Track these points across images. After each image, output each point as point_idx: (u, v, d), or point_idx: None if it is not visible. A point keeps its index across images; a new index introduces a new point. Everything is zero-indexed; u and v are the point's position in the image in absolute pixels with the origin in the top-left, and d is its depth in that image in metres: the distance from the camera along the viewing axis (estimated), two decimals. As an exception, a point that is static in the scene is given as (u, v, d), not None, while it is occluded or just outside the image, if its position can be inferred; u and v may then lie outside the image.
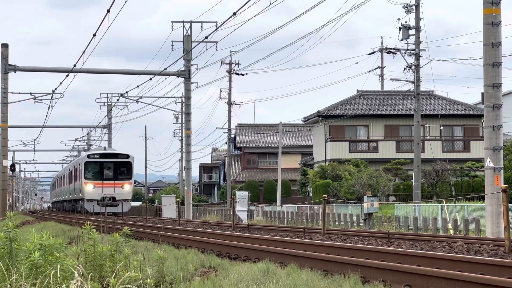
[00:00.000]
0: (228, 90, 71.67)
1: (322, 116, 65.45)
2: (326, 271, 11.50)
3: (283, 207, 56.83)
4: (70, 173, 68.99)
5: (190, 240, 19.10)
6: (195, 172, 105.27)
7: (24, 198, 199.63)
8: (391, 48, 49.74)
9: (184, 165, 57.64)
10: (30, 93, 54.33)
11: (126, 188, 57.04)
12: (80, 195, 58.67)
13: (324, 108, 66.54)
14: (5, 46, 48.15)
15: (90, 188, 56.57)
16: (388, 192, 53.45)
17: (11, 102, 51.96)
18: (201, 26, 49.73)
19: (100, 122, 79.30)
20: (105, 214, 49.72)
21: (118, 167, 57.32)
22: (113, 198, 56.26)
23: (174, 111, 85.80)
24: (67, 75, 46.46)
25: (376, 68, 67.57)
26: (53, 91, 51.78)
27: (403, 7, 47.52)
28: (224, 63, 68.92)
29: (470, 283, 8.79)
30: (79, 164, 59.60)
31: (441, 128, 61.91)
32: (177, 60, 61.22)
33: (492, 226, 24.09)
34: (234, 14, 29.72)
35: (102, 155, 57.83)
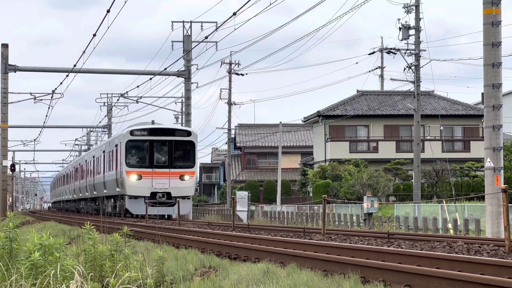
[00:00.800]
0: (228, 90, 71.69)
1: (322, 116, 65.47)
2: (326, 271, 11.50)
3: (283, 207, 56.84)
4: (95, 160, 51.77)
5: (190, 240, 19.10)
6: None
7: (24, 198, 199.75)
8: (391, 48, 49.75)
9: (184, 165, 57.59)
10: (30, 93, 54.40)
11: (187, 179, 40.39)
12: (117, 189, 42.10)
13: (324, 108, 66.55)
14: (5, 46, 48.19)
15: (134, 180, 39.89)
16: (388, 192, 53.46)
17: (11, 102, 52.06)
18: (201, 26, 49.78)
19: (100, 122, 79.39)
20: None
21: (175, 149, 40.73)
22: (168, 195, 40.07)
23: (174, 111, 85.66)
24: (67, 75, 46.53)
25: (376, 68, 67.54)
26: (53, 91, 51.86)
27: (403, 7, 47.53)
28: (224, 63, 68.94)
29: (470, 283, 8.79)
30: (116, 146, 42.47)
31: (441, 128, 61.94)
32: (177, 60, 61.27)
33: (492, 226, 24.10)
34: (234, 14, 29.73)
35: (152, 132, 40.78)
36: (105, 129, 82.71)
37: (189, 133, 41.23)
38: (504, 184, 22.07)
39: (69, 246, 14.64)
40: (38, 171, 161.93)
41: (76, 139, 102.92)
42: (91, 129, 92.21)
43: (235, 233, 20.91)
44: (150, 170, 40.06)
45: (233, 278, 11.31)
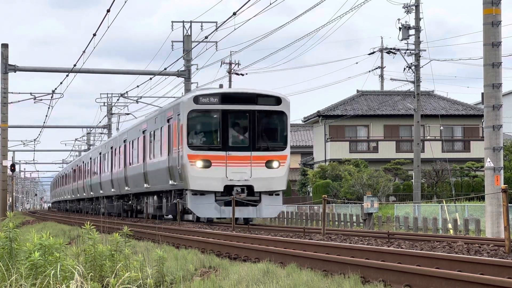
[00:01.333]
0: (228, 90, 71.55)
1: (322, 116, 65.48)
2: (326, 271, 11.50)
3: (283, 207, 56.84)
4: (126, 147, 40.93)
5: (190, 240, 19.10)
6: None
7: (24, 198, 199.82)
8: (391, 48, 49.77)
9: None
10: (30, 93, 54.26)
11: (276, 167, 29.09)
12: (171, 182, 30.82)
13: (324, 108, 66.56)
14: (5, 46, 48.15)
15: (199, 167, 28.69)
16: (388, 192, 53.46)
17: (11, 102, 51.98)
18: (201, 26, 49.75)
19: (100, 122, 79.35)
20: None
21: (259, 122, 29.27)
22: (249, 189, 28.96)
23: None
24: (67, 75, 46.45)
25: (376, 68, 67.55)
26: (53, 91, 51.76)
27: (403, 7, 47.57)
28: (224, 63, 68.89)
29: (470, 283, 8.79)
30: (170, 120, 31.32)
31: (441, 128, 61.95)
32: (177, 60, 61.24)
33: (492, 226, 24.12)
34: (234, 14, 29.72)
35: (226, 98, 29.26)
36: (105, 129, 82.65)
37: (278, 100, 29.48)
38: (504, 184, 22.07)
39: (69, 246, 14.65)
40: (38, 171, 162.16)
41: (76, 139, 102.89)
42: (91, 129, 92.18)
43: (235, 233, 20.91)
44: (223, 153, 28.82)
45: (233, 278, 11.32)
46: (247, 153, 28.94)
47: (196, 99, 28.97)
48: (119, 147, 43.19)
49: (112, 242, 11.45)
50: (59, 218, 48.87)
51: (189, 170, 28.66)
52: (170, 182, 30.85)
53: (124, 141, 41.55)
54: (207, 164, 28.72)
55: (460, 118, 65.57)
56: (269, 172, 29.00)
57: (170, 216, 34.70)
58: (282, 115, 29.40)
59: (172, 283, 12.18)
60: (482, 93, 27.77)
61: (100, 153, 51.83)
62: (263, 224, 35.33)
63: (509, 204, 18.18)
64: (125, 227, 12.74)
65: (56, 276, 9.64)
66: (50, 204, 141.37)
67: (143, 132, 36.38)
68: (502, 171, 24.61)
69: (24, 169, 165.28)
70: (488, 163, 24.46)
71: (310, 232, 23.37)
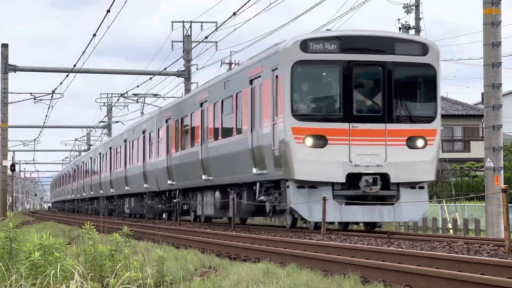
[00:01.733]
0: (228, 90, 71.38)
1: (322, 116, 65.36)
2: (326, 271, 11.50)
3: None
4: (169, 129, 32.27)
5: (190, 240, 19.11)
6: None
7: (24, 198, 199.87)
8: (391, 48, 49.75)
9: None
10: (30, 93, 54.26)
11: (421, 146, 20.43)
12: (256, 170, 21.93)
13: (324, 108, 66.49)
14: (5, 46, 48.12)
15: (309, 146, 19.73)
16: (388, 192, 53.44)
17: (11, 102, 51.99)
18: (201, 26, 49.79)
19: (100, 122, 79.30)
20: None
21: (397, 81, 20.27)
22: (383, 179, 19.84)
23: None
24: (67, 75, 46.44)
25: (376, 68, 67.57)
26: (53, 91, 51.76)
27: (403, 7, 47.61)
28: (224, 63, 68.81)
29: (470, 283, 8.78)
30: (253, 81, 22.17)
31: (441, 128, 61.95)
32: (177, 60, 61.25)
33: (492, 226, 24.14)
34: (234, 14, 29.73)
35: (348, 44, 20.11)
36: (105, 129, 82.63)
37: (424, 48, 20.55)
38: (504, 184, 22.09)
39: (69, 246, 14.65)
40: (38, 171, 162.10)
41: (76, 139, 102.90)
42: (91, 129, 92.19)
43: (235, 233, 20.90)
44: (345, 126, 19.97)
45: (233, 278, 11.31)
46: (380, 126, 20.18)
47: (304, 45, 19.93)
48: (158, 130, 33.93)
49: (112, 242, 11.45)
50: (59, 218, 48.84)
51: (293, 150, 19.69)
52: (254, 170, 22.00)
53: (167, 121, 32.46)
54: (321, 142, 19.89)
55: (460, 118, 65.56)
56: (412, 154, 20.29)
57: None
58: (430, 70, 20.56)
59: (172, 283, 12.18)
60: (482, 93, 27.78)
61: (125, 141, 42.13)
62: (263, 224, 35.31)
63: (509, 204, 18.19)
64: (125, 227, 12.75)
65: (56, 276, 9.64)
66: (50, 204, 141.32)
67: (201, 104, 27.41)
68: (502, 171, 24.64)
69: (24, 169, 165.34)
70: (488, 163, 24.48)
71: (310, 232, 23.37)
